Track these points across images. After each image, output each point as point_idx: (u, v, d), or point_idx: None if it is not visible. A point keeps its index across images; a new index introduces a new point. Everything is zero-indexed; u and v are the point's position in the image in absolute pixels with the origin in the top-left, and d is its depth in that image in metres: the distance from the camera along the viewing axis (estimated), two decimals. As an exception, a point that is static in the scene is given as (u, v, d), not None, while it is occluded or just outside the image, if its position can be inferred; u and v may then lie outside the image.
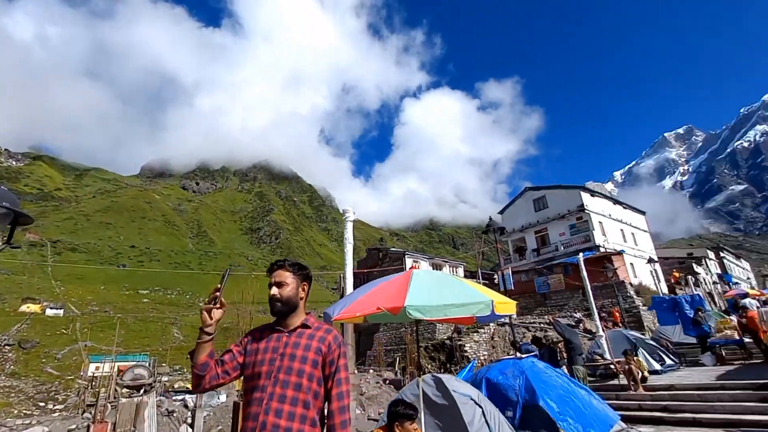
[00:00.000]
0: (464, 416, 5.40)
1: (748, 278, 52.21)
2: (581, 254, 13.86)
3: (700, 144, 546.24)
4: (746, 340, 11.75)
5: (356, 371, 17.91)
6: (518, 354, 9.03)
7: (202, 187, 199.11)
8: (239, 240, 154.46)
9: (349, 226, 6.40)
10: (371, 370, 19.74)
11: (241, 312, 18.24)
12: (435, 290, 4.42)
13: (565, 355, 9.73)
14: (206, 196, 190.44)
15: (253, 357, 1.93)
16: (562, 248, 29.27)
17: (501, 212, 36.89)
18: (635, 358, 8.93)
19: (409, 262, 29.24)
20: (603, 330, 11.48)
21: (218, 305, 1.92)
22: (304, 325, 2.00)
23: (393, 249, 31.99)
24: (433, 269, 33.48)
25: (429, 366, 16.37)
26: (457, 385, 6.13)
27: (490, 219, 13.18)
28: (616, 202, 34.66)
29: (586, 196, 30.32)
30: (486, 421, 5.54)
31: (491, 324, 20.79)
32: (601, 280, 21.03)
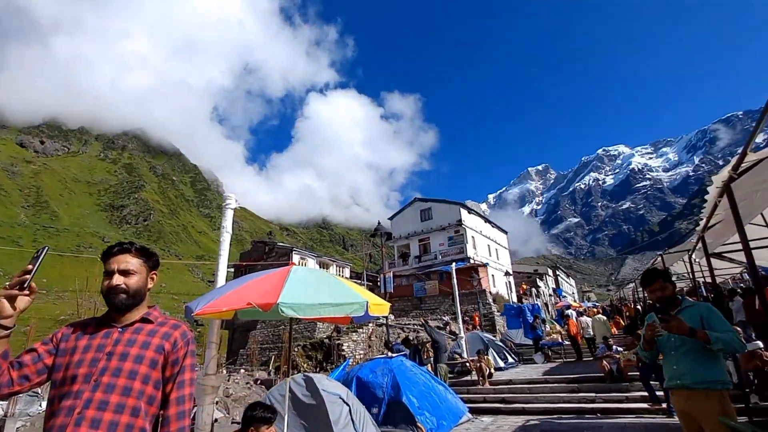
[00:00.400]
0: (330, 415, 5.42)
1: (573, 293, 65.04)
2: (454, 264, 15.36)
3: (552, 181, 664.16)
4: (566, 342, 14.57)
5: (224, 371, 16.59)
6: (389, 353, 9.49)
7: (49, 148, 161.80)
8: (95, 217, 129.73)
9: (229, 215, 5.88)
10: (242, 370, 18.51)
11: (85, 302, 15.38)
12: (312, 288, 4.33)
13: (431, 353, 10.61)
14: (54, 159, 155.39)
15: (68, 357, 1.54)
16: (440, 257, 32.10)
17: (391, 218, 38.71)
18: (486, 357, 10.22)
19: (296, 258, 28.46)
20: (464, 332, 12.87)
21: (27, 291, 1.49)
22: (145, 320, 1.69)
23: (281, 243, 30.74)
24: (320, 267, 33.26)
25: (305, 365, 16.11)
26: (327, 384, 6.14)
27: (379, 224, 13.69)
28: (486, 220, 39.55)
29: (464, 213, 33.89)
30: (352, 419, 5.66)
31: (370, 324, 21.54)
32: (468, 287, 23.66)
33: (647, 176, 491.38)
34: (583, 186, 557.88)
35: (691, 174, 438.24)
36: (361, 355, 17.57)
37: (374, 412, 6.62)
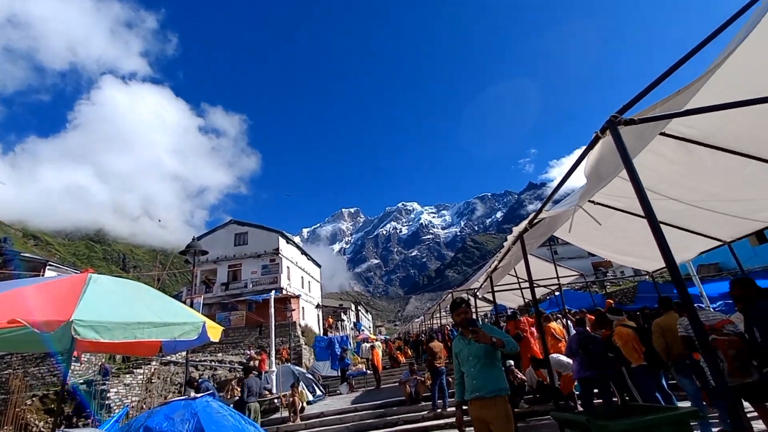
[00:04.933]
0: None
1: (369, 327, 71.52)
2: (273, 292, 14.61)
3: (361, 224, 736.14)
4: (368, 372, 15.60)
5: None
6: (193, 393, 7.93)
7: None
8: None
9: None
10: None
11: None
12: (124, 303, 3.28)
13: (236, 392, 9.47)
14: None
15: None
16: (251, 285, 29.94)
17: (199, 238, 33.92)
18: (299, 390, 9.83)
19: (51, 275, 20.75)
20: (275, 366, 12.12)
21: None
22: None
23: (27, 255, 22.14)
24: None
25: (41, 423, 11.54)
26: (101, 440, 4.57)
27: (194, 239, 11.78)
28: (303, 252, 39.76)
29: (282, 242, 33.13)
30: (132, 485, 4.33)
31: (152, 362, 17.70)
32: (279, 319, 22.68)
33: (431, 231, 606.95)
34: (384, 232, 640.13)
35: (458, 234, 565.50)
36: (136, 402, 13.99)
37: (164, 470, 5.27)
